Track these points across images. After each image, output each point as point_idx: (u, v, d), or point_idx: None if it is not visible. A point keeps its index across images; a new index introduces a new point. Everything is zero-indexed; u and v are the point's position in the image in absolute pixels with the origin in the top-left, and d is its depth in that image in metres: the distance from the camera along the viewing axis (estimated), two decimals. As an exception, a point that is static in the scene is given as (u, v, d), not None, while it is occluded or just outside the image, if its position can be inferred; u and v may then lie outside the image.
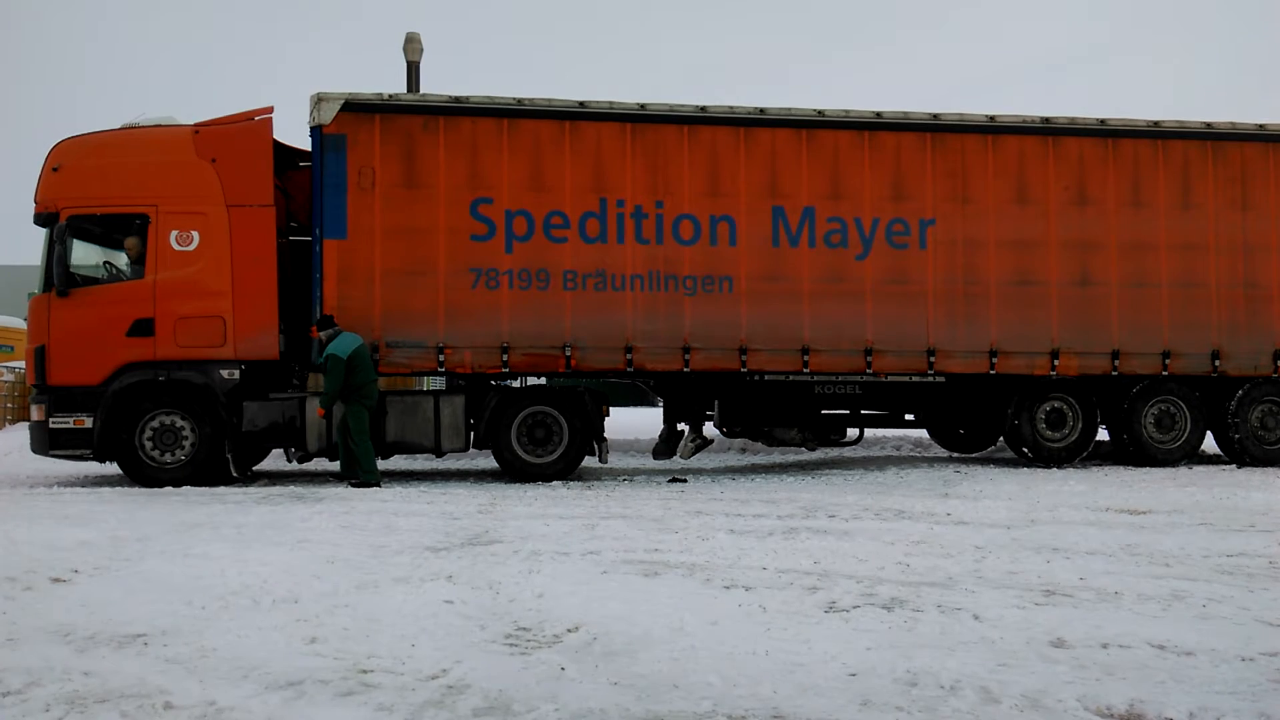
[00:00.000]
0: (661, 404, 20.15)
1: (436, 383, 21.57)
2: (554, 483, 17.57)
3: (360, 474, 16.66)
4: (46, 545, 10.04)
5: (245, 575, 8.77)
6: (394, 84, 34.20)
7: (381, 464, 20.19)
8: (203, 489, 16.09)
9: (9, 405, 29.57)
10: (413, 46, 24.50)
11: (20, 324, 35.63)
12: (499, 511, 13.41)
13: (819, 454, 21.80)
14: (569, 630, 7.16)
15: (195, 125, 17.73)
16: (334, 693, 5.90)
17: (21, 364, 31.10)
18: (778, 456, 22.72)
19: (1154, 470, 18.71)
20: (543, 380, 19.79)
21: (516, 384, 19.22)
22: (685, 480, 18.05)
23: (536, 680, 6.11)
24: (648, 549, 10.28)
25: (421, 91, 18.13)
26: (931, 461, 21.19)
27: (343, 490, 15.92)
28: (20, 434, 25.30)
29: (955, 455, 22.66)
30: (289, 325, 17.64)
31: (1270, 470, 18.85)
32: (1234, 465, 19.69)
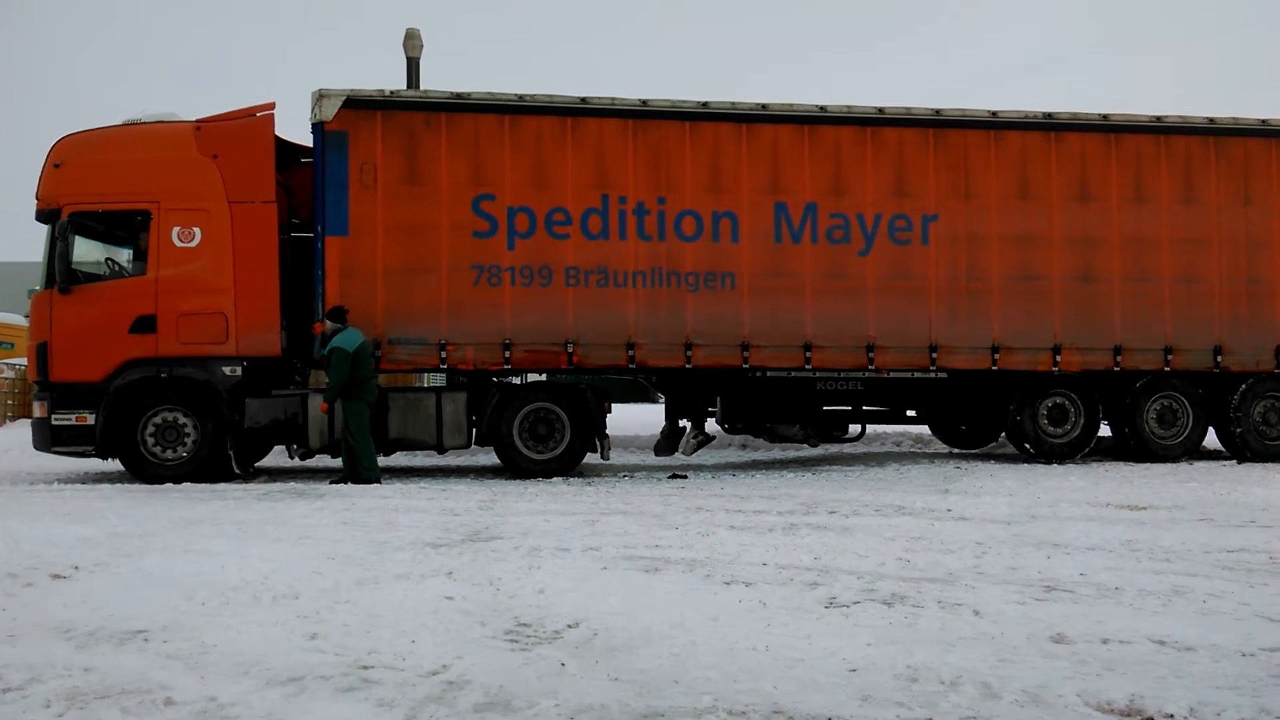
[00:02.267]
0: (663, 401, 20.15)
1: (437, 379, 21.60)
2: (554, 479, 17.56)
3: (360, 470, 16.63)
4: (47, 542, 10.07)
5: (246, 571, 8.80)
6: (393, 81, 34.11)
7: (382, 460, 20.24)
8: (203, 485, 16.12)
9: (9, 402, 29.64)
10: (413, 43, 24.48)
11: (20, 321, 35.75)
12: (499, 508, 13.43)
13: (819, 450, 21.81)
14: (569, 626, 7.18)
15: (197, 121, 17.73)
16: (335, 688, 5.92)
17: (21, 361, 31.22)
18: (778, 453, 22.75)
19: (1154, 466, 18.75)
20: (543, 377, 19.75)
21: (516, 380, 19.18)
22: (685, 476, 18.04)
23: (537, 676, 6.13)
24: (648, 545, 10.31)
25: (423, 88, 18.11)
26: (932, 457, 21.23)
27: (344, 487, 15.93)
28: (20, 431, 25.30)
29: (956, 451, 22.69)
30: (290, 322, 17.62)
31: (1271, 466, 18.87)
32: (1234, 461, 19.71)
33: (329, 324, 16.69)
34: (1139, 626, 7.16)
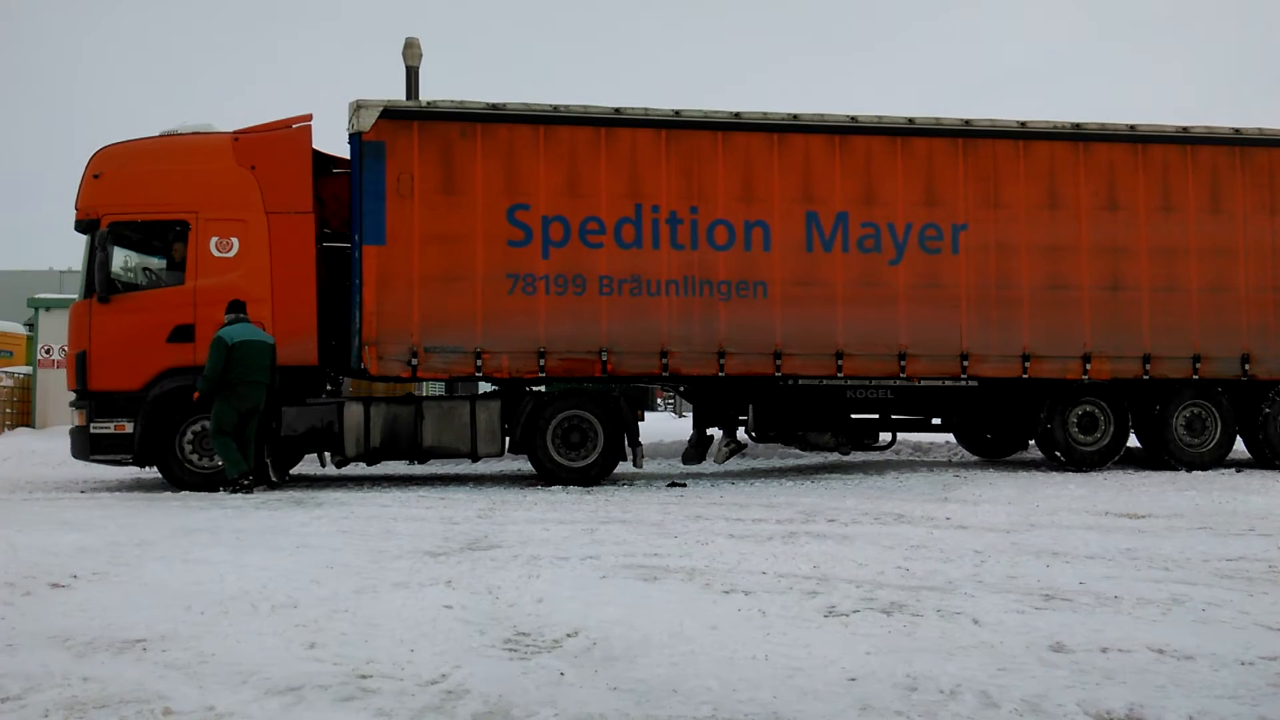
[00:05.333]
0: (665, 409, 20.19)
1: (436, 387, 21.72)
2: (553, 488, 17.58)
3: (228, 471, 16.39)
4: (45, 550, 10.14)
5: (244, 580, 8.84)
6: (389, 88, 34.20)
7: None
8: (202, 494, 16.20)
9: (8, 411, 29.90)
10: (412, 51, 24.54)
11: (18, 329, 36.15)
12: (498, 516, 13.48)
13: (818, 458, 21.79)
14: (568, 635, 7.19)
15: (235, 133, 17.94)
16: (333, 698, 5.94)
17: (20, 369, 31.51)
18: (777, 461, 22.80)
19: (1153, 474, 18.75)
20: (543, 388, 19.83)
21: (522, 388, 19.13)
22: (685, 484, 18.06)
23: (536, 685, 6.14)
24: (647, 553, 10.33)
25: (458, 98, 18.23)
26: (931, 465, 21.20)
27: (342, 495, 15.97)
28: (18, 439, 25.51)
29: (956, 459, 22.83)
30: (325, 331, 17.76)
31: (1270, 474, 18.86)
32: (1233, 469, 19.69)
33: (226, 316, 16.60)
34: (1138, 635, 7.13)
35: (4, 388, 29.94)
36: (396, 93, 24.49)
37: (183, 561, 9.84)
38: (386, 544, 10.99)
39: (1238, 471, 19.33)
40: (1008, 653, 6.78)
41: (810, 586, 8.70)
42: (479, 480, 19.38)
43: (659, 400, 20.82)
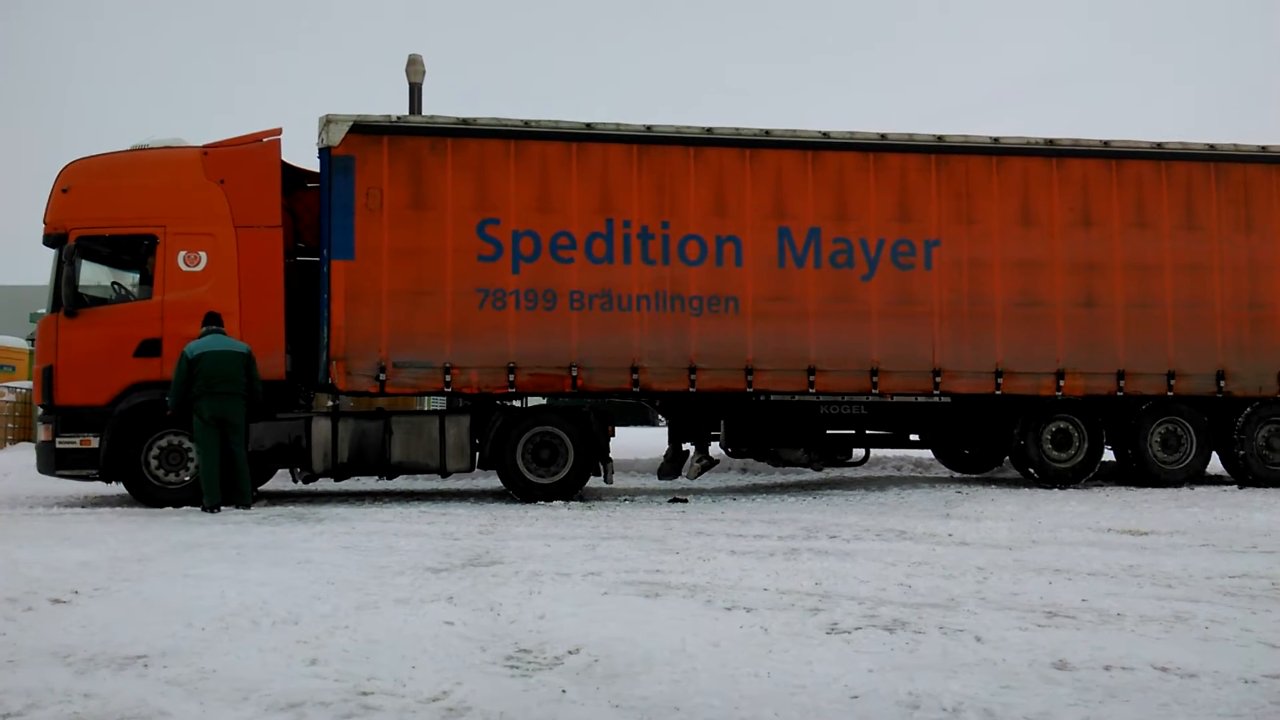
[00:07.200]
0: (664, 424, 20.15)
1: (439, 403, 21.61)
2: (554, 502, 17.53)
3: (204, 497, 16.07)
4: (46, 566, 10.07)
5: (245, 596, 8.77)
6: (391, 96, 34.17)
7: (384, 484, 20.30)
8: (199, 510, 16.01)
9: (9, 425, 29.71)
10: (415, 68, 24.50)
11: (20, 344, 35.93)
12: (499, 532, 13.43)
13: (820, 474, 21.75)
14: (570, 652, 7.14)
15: (204, 147, 17.79)
16: (334, 715, 5.89)
17: (21, 384, 31.28)
18: (779, 477, 22.74)
19: (1156, 491, 18.69)
20: (542, 400, 19.77)
21: (517, 404, 19.10)
22: (686, 500, 18.00)
23: (537, 702, 6.08)
24: (649, 570, 10.28)
25: (428, 113, 18.15)
26: (933, 482, 21.19)
27: (343, 510, 15.87)
28: (20, 454, 25.28)
29: (958, 475, 22.74)
30: (294, 346, 17.63)
31: (1273, 491, 18.84)
32: (1236, 485, 19.71)
33: (200, 329, 16.38)
34: (1141, 653, 7.12)
35: (6, 402, 29.80)
36: (400, 104, 24.47)
37: (184, 577, 9.78)
38: (388, 560, 10.94)
39: (1240, 488, 19.37)
40: (1010, 670, 6.75)
41: (812, 603, 8.67)
42: (480, 496, 19.30)
43: (659, 417, 20.73)
